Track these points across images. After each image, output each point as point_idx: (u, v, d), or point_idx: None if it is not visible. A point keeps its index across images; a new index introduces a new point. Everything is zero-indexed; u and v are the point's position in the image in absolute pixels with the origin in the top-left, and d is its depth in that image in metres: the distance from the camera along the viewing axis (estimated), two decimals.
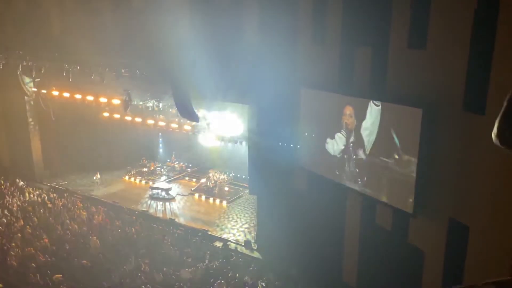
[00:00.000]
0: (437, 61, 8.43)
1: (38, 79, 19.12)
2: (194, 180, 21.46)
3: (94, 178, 20.84)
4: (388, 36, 9.48)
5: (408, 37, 9.03)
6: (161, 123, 19.74)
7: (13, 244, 14.00)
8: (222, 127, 17.97)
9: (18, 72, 18.52)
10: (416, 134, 8.85)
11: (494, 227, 7.45)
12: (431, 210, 9.08)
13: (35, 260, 13.06)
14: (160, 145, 24.48)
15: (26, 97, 20.00)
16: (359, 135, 10.55)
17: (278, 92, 12.60)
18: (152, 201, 19.05)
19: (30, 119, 20.59)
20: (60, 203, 17.88)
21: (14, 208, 17.13)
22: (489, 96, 7.32)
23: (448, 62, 8.18)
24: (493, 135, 1.75)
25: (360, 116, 10.43)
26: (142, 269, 12.77)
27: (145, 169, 22.42)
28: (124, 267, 12.76)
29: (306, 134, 12.52)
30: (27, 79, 19.29)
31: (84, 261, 12.73)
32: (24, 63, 17.97)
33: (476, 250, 7.97)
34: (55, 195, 18.89)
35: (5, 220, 15.90)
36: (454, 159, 8.39)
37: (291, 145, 13.07)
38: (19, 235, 14.69)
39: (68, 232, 15.07)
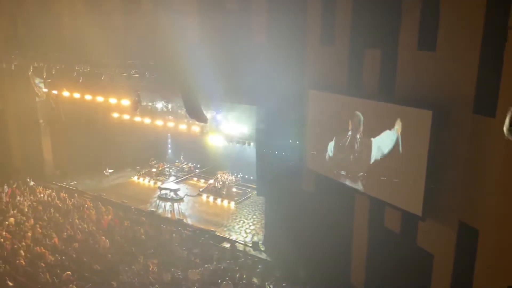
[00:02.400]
0: (447, 63, 8.37)
1: (49, 80, 19.33)
2: (202, 181, 21.54)
3: (105, 172, 21.60)
4: (397, 38, 9.44)
5: (418, 39, 8.99)
6: (170, 124, 19.83)
7: (23, 243, 14.16)
8: (230, 128, 18.01)
9: (30, 73, 18.74)
10: (426, 136, 8.80)
11: (504, 230, 7.38)
12: (441, 213, 9.01)
13: (45, 259, 13.19)
14: (169, 145, 24.60)
15: (37, 98, 20.23)
16: (368, 136, 10.51)
17: (286, 93, 12.61)
18: (161, 202, 19.16)
19: (41, 120, 20.82)
20: (70, 203, 18.05)
21: (25, 208, 17.33)
22: (500, 99, 7.25)
23: (459, 64, 8.13)
24: (505, 128, 1.75)
25: (369, 117, 10.40)
26: (150, 269, 12.84)
27: (153, 170, 22.55)
28: (133, 267, 12.84)
29: (313, 135, 12.49)
30: (38, 80, 19.51)
31: (97, 266, 12.82)
32: (35, 64, 18.19)
33: (485, 253, 7.90)
34: (65, 194, 19.07)
35: (15, 220, 16.10)
36: (463, 162, 8.33)
37: (299, 147, 13.05)
38: (29, 234, 14.85)
39: (78, 231, 15.22)
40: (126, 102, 18.79)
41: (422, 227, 9.58)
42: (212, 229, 16.26)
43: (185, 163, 23.17)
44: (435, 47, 8.58)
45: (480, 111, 7.83)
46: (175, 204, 18.86)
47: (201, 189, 20.35)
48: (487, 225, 7.80)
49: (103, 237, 14.60)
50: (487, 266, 7.83)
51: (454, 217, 8.65)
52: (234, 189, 20.06)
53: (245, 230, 16.47)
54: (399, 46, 9.44)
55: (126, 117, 20.67)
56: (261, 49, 12.97)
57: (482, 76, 7.71)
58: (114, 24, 16.53)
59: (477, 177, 8.03)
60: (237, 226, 16.80)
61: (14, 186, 19.50)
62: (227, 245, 15.12)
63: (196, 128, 19.07)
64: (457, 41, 8.11)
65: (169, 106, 19.52)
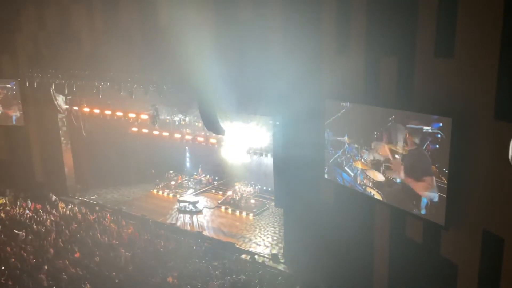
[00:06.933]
0: (466, 69, 8.26)
1: (70, 97, 19.83)
2: (220, 193, 21.59)
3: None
4: (414, 45, 9.37)
5: (435, 45, 8.90)
6: (188, 137, 20.03)
7: (46, 257, 14.36)
8: (248, 140, 18.07)
9: (51, 90, 19.24)
10: (446, 143, 8.66)
11: None
12: (464, 222, 8.81)
13: (67, 272, 13.35)
14: (187, 158, 24.80)
15: (59, 114, 20.72)
16: (388, 145, 10.40)
17: (303, 103, 12.60)
18: (180, 214, 19.26)
19: (62, 136, 21.28)
20: (91, 217, 18.28)
21: (47, 223, 17.61)
22: None
23: (478, 69, 8.00)
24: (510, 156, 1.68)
25: (384, 126, 10.30)
26: (170, 282, 12.85)
27: (172, 183, 22.73)
28: (153, 279, 12.88)
29: (331, 145, 12.41)
30: (59, 97, 20.01)
31: (121, 275, 12.91)
32: (57, 81, 18.68)
33: (511, 262, 7.68)
34: (86, 209, 19.34)
35: (38, 234, 16.37)
36: (486, 169, 8.15)
37: (316, 157, 12.97)
38: (51, 249, 15.06)
39: (98, 245, 15.37)
40: (144, 116, 19.07)
41: (445, 236, 9.37)
42: (231, 241, 16.23)
43: (203, 175, 23.29)
44: (453, 53, 8.48)
45: (502, 117, 7.67)
46: (194, 217, 18.93)
47: (219, 201, 20.39)
48: None
49: (123, 250, 14.72)
50: None
51: (478, 226, 8.44)
52: (252, 201, 20.04)
53: (263, 242, 16.38)
54: (416, 53, 9.37)
55: (145, 131, 20.98)
56: (277, 60, 13.04)
57: (503, 80, 7.57)
58: (132, 40, 16.89)
59: (501, 184, 7.83)
60: (256, 238, 16.73)
61: (37, 201, 19.88)
62: (247, 257, 15.05)
63: (213, 140, 19.22)
64: (475, 47, 8.00)
65: (187, 119, 19.75)
